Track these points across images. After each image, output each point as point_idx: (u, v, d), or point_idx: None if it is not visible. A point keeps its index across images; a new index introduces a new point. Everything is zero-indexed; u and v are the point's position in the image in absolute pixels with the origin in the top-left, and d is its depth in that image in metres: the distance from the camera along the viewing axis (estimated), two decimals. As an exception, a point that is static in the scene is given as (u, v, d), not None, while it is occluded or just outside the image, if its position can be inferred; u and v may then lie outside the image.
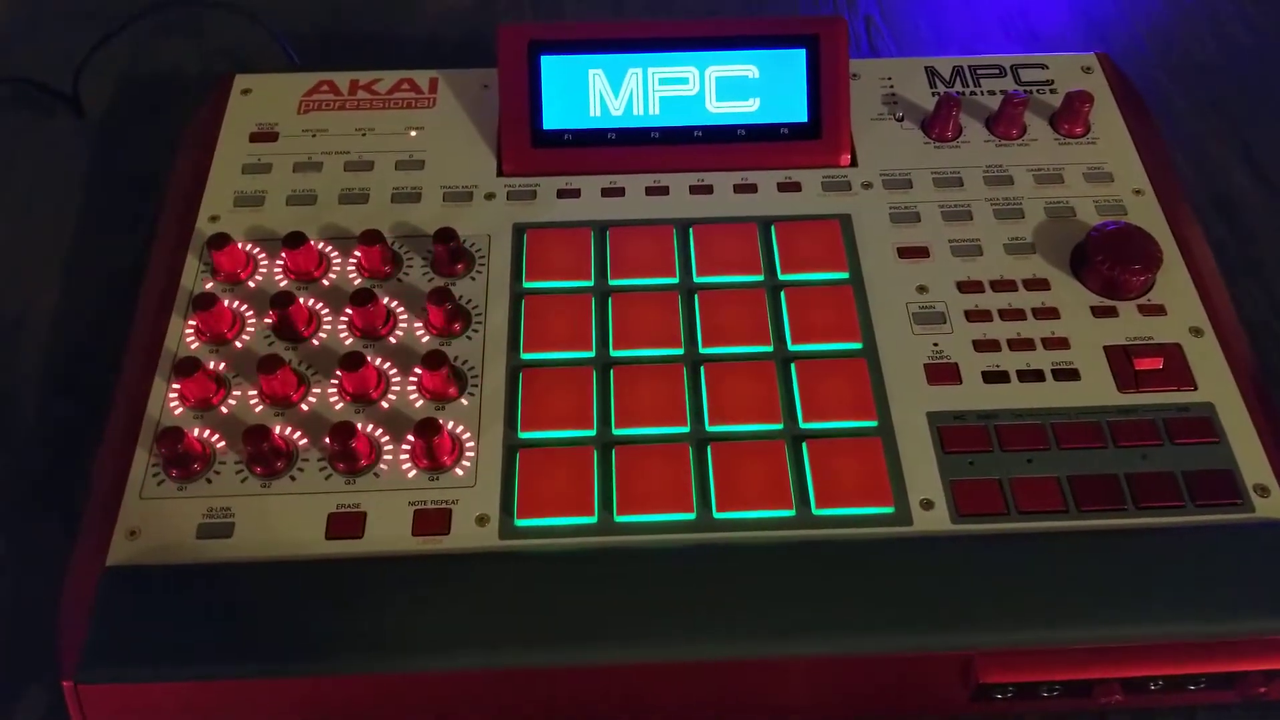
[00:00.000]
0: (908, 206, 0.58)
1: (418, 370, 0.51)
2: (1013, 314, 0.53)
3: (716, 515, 0.47)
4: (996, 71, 0.63)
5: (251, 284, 0.55)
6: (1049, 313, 0.53)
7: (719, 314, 0.53)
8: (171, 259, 0.56)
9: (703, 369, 0.51)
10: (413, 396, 0.51)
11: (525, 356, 0.52)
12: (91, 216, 0.66)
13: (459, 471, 0.49)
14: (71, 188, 0.67)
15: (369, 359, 0.50)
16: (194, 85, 0.72)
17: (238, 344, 0.52)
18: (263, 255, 0.56)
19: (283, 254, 0.55)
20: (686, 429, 0.50)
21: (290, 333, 0.52)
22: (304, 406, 0.50)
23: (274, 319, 0.52)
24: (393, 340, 0.53)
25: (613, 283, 0.55)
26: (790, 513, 0.47)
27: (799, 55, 0.59)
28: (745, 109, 0.60)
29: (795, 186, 0.59)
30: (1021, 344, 0.52)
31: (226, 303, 0.53)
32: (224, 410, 0.50)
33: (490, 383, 0.51)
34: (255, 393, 0.51)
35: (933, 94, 0.62)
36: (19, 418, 0.57)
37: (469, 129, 0.61)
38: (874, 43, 0.77)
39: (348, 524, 0.47)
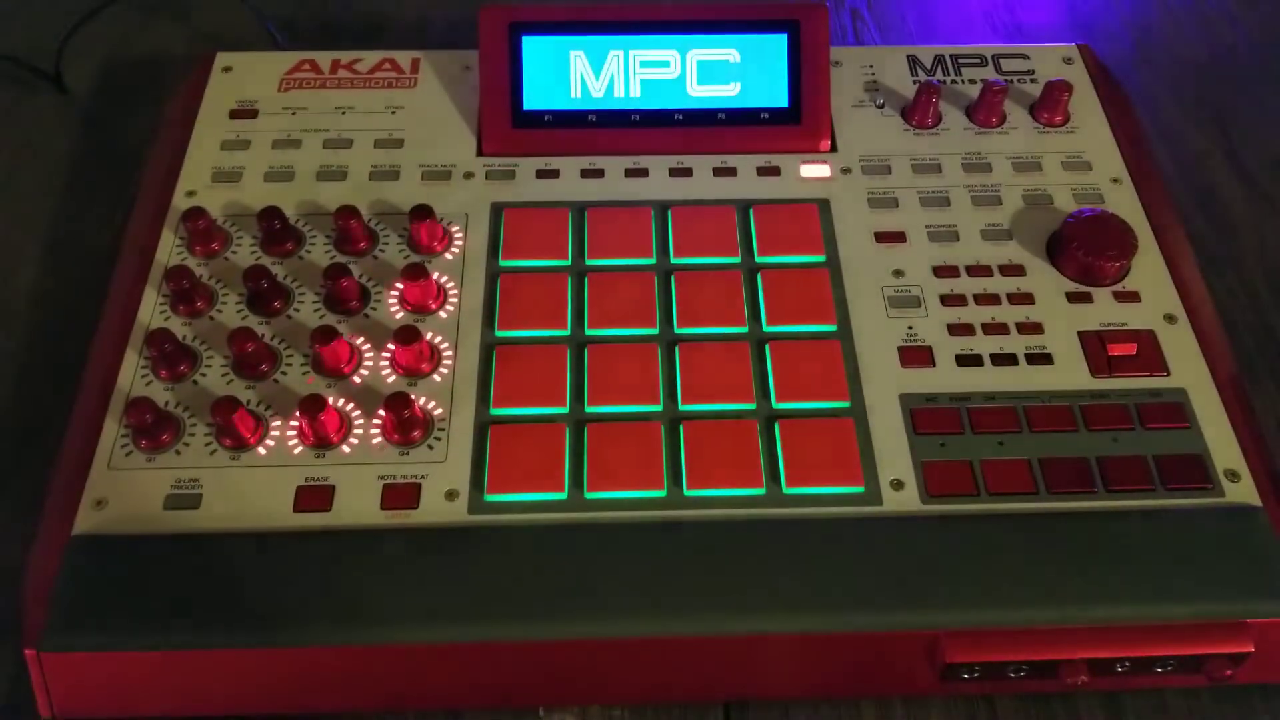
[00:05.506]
0: (886, 192, 0.58)
1: (391, 345, 0.51)
2: (988, 299, 0.53)
3: (687, 492, 0.47)
4: (977, 61, 0.64)
5: (226, 258, 0.54)
6: (1024, 298, 0.53)
7: (695, 295, 0.53)
8: (147, 232, 0.55)
9: (677, 348, 0.51)
10: (385, 372, 0.51)
11: (500, 334, 0.52)
12: (73, 194, 0.66)
13: (430, 447, 0.48)
14: (53, 165, 0.67)
15: (341, 333, 0.50)
16: (178, 65, 0.72)
17: (210, 317, 0.52)
18: (238, 230, 0.55)
19: (258, 229, 0.54)
20: (659, 407, 0.50)
21: (263, 307, 0.52)
22: (275, 380, 0.50)
23: (247, 292, 0.52)
24: (366, 316, 0.52)
25: (590, 262, 0.55)
26: (760, 490, 0.47)
27: (780, 40, 0.59)
28: (726, 93, 0.60)
29: (774, 171, 0.59)
30: (996, 328, 0.52)
31: (200, 276, 0.53)
32: (195, 382, 0.50)
33: (464, 359, 0.51)
34: (226, 365, 0.51)
35: (914, 82, 0.62)
36: (-8, 391, 0.57)
37: (450, 109, 0.61)
38: (859, 35, 0.77)
39: (316, 497, 0.47)
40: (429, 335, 0.51)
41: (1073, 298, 0.53)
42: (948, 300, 0.53)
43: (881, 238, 0.56)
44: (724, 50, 0.59)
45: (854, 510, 0.47)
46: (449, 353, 0.51)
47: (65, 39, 0.70)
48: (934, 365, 0.51)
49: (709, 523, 0.46)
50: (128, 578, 0.45)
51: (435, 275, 0.53)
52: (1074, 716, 0.47)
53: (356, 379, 0.50)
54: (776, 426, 0.49)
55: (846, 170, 0.59)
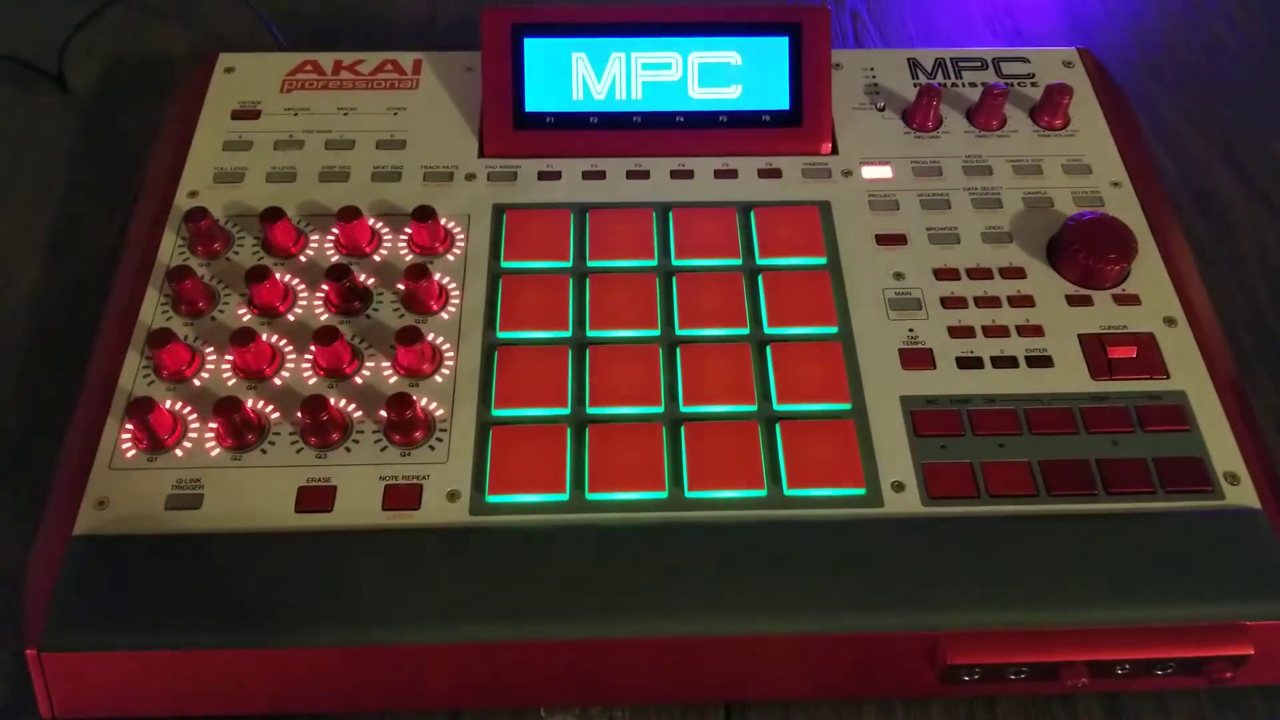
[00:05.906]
0: (887, 194, 0.58)
1: (392, 346, 0.51)
2: (988, 301, 0.53)
3: (688, 494, 0.47)
4: (978, 64, 0.64)
5: (228, 258, 0.54)
6: (1024, 301, 0.53)
7: (696, 296, 0.53)
8: (149, 233, 0.55)
9: (679, 350, 0.51)
10: (387, 373, 0.51)
11: (501, 335, 0.52)
12: (74, 193, 0.66)
13: (431, 447, 0.49)
14: (55, 165, 0.67)
15: (343, 334, 0.50)
16: (180, 66, 0.72)
17: (212, 317, 0.52)
18: (240, 231, 0.55)
19: (260, 229, 0.54)
20: (661, 409, 0.50)
21: (265, 307, 0.52)
22: (277, 380, 0.50)
23: (251, 293, 0.52)
24: (368, 317, 0.53)
25: (591, 264, 0.55)
26: (762, 492, 0.47)
27: (782, 43, 0.60)
28: (727, 95, 0.60)
29: (776, 173, 0.59)
30: (996, 331, 0.52)
31: (202, 276, 0.53)
32: (196, 383, 0.50)
33: (465, 360, 0.51)
34: (228, 366, 0.51)
35: (914, 85, 0.63)
36: (-6, 391, 0.57)
37: (451, 110, 0.61)
38: (860, 38, 0.77)
39: (317, 497, 0.47)
40: (430, 336, 0.52)
41: (1073, 300, 0.54)
42: (948, 303, 0.53)
43: (883, 240, 0.56)
44: (725, 53, 0.59)
45: (855, 512, 0.47)
46: (450, 354, 0.51)
47: (68, 39, 0.70)
48: (934, 367, 0.51)
49: (710, 524, 0.47)
50: (129, 578, 0.45)
51: (437, 276, 0.54)
52: (1074, 718, 0.47)
53: (358, 379, 0.50)
54: (778, 428, 0.49)
55: (848, 173, 0.59)
